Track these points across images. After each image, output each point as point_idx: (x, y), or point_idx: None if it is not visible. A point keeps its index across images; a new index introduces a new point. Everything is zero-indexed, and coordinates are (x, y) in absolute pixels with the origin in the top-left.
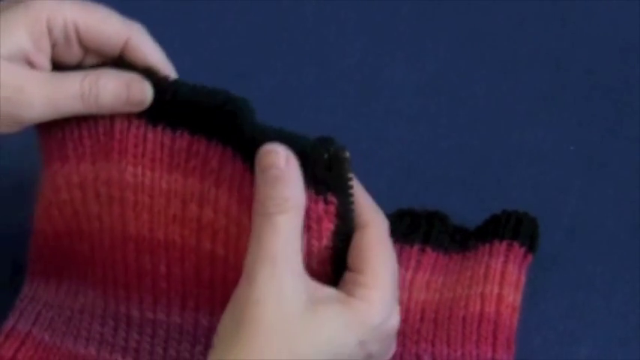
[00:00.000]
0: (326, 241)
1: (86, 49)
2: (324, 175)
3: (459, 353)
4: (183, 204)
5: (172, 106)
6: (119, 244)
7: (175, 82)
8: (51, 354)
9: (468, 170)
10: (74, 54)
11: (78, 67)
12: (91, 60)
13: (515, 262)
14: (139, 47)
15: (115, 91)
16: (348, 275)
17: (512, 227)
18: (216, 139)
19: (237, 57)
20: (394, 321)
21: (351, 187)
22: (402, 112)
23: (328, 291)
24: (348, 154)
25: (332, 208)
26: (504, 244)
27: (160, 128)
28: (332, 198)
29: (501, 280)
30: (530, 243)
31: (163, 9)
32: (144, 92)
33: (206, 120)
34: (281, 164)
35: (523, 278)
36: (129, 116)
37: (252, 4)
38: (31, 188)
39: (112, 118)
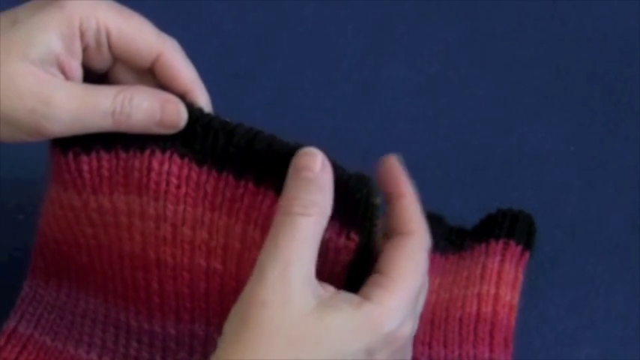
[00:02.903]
0: (339, 268)
1: (116, 56)
2: (352, 213)
3: (456, 354)
4: (174, 228)
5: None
6: (116, 259)
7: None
8: (53, 358)
9: (468, 170)
10: (104, 60)
11: (106, 75)
12: (120, 69)
13: (511, 260)
14: (171, 64)
15: (148, 110)
16: (372, 277)
17: (507, 226)
18: (208, 166)
19: (237, 57)
20: (406, 330)
21: (375, 232)
22: (402, 112)
23: (343, 296)
24: (379, 201)
25: (352, 245)
26: (500, 243)
27: (147, 153)
28: (354, 236)
29: (498, 280)
30: (527, 240)
31: (163, 9)
32: (179, 114)
33: (202, 146)
34: (316, 168)
35: (521, 276)
36: (115, 150)
37: (252, 4)
38: (33, 180)
39: (98, 157)
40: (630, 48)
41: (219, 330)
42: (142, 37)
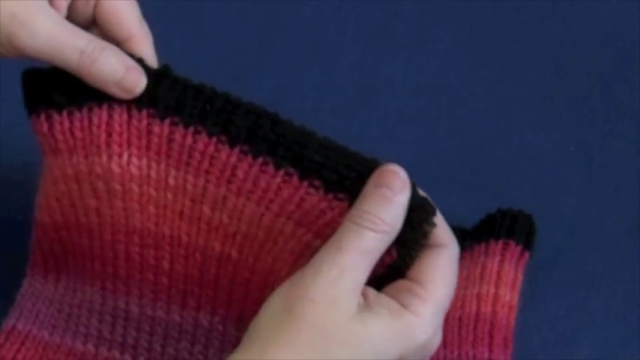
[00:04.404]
0: (368, 281)
1: (96, 19)
2: (401, 231)
3: (455, 354)
4: (193, 203)
5: (197, 108)
6: (122, 237)
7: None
8: (50, 352)
9: (468, 170)
10: (85, 15)
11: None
12: (93, 32)
13: (511, 261)
14: (137, 49)
15: (113, 66)
16: (405, 283)
17: (507, 226)
18: (242, 149)
19: (237, 57)
20: (437, 341)
21: (414, 255)
22: (402, 113)
23: (383, 300)
24: (429, 229)
25: (388, 260)
26: (500, 243)
27: (167, 122)
28: (393, 252)
29: (497, 280)
30: (527, 241)
31: (163, 9)
32: (138, 82)
33: (245, 132)
34: (396, 188)
35: (520, 277)
36: (129, 109)
37: (252, 4)
38: (32, 181)
39: (110, 109)
40: (630, 48)
41: (223, 322)
42: (126, 13)
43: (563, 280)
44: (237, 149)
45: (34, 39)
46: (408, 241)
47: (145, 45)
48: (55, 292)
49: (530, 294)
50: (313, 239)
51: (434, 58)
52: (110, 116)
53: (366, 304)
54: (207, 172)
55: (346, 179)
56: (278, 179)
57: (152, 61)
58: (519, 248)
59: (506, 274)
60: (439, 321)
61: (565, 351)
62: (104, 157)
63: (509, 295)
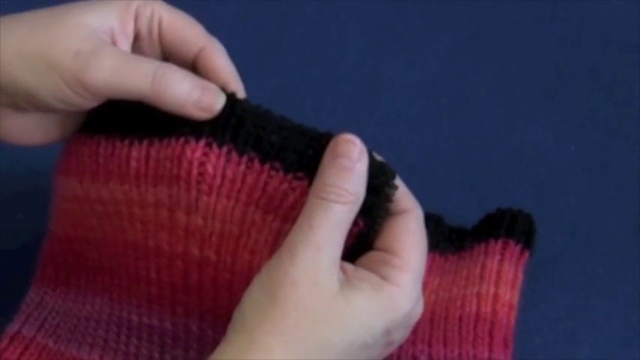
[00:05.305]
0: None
1: (164, 46)
2: (365, 199)
3: (455, 353)
4: (170, 212)
5: (165, 118)
6: (121, 250)
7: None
8: (55, 359)
9: (468, 170)
10: (154, 49)
11: None
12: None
13: (511, 260)
14: (211, 57)
15: (189, 86)
16: (379, 255)
17: (507, 225)
18: (207, 142)
19: (237, 57)
20: (419, 309)
21: (380, 221)
22: (402, 113)
23: (362, 274)
24: (391, 192)
25: (355, 230)
26: (500, 242)
27: (145, 143)
28: (360, 221)
29: (497, 279)
30: (526, 240)
31: None
32: (216, 100)
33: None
34: (354, 156)
35: (520, 276)
36: (112, 139)
37: (252, 4)
38: (33, 183)
39: (97, 142)
40: (630, 48)
41: (213, 328)
42: (190, 30)
43: (563, 279)
44: (202, 142)
45: (101, 75)
46: (373, 208)
47: (217, 55)
48: (63, 304)
49: (531, 294)
50: (282, 224)
51: (434, 57)
52: (97, 148)
53: (346, 280)
54: (177, 177)
55: (303, 157)
56: (242, 166)
57: (229, 71)
58: (519, 248)
59: (506, 273)
60: (419, 288)
61: (566, 351)
62: (97, 184)
63: (510, 295)
